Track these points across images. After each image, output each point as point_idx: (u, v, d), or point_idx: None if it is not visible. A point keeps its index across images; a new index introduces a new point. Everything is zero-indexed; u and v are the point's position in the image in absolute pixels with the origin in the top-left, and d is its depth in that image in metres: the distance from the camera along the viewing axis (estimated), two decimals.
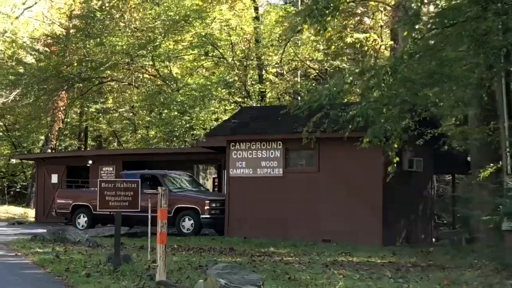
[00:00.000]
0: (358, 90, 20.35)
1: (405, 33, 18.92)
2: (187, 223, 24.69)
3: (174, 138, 38.65)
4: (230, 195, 24.50)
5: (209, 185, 30.79)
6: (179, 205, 24.74)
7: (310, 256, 18.53)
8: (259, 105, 38.12)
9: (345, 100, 22.86)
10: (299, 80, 40.61)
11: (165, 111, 41.27)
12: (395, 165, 19.36)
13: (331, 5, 19.09)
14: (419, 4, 18.81)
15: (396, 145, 18.91)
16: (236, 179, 24.34)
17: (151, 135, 46.69)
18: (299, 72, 41.66)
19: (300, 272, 14.78)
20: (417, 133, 19.70)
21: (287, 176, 23.58)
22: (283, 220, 23.49)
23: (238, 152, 24.41)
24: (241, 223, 24.09)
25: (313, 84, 41.23)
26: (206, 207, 24.53)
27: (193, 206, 24.56)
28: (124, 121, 47.73)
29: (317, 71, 38.92)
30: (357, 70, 18.19)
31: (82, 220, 27.01)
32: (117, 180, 14.25)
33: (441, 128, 21.30)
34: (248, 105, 37.75)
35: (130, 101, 44.02)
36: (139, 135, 48.56)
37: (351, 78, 18.15)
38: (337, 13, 20.03)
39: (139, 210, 14.49)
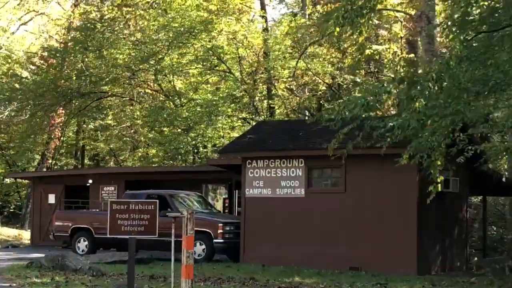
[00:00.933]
0: (395, 101, 18.13)
1: (451, 37, 16.89)
2: (198, 248, 22.49)
3: (179, 157, 36.43)
4: (246, 217, 22.31)
5: (219, 206, 28.57)
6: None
7: None
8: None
9: (379, 113, 20.73)
10: (306, 96, 38.50)
11: (167, 128, 39.19)
12: (437, 185, 17.16)
13: (368, 5, 17.05)
14: (467, 3, 16.71)
15: (439, 162, 16.74)
16: (252, 200, 22.17)
17: (151, 154, 44.52)
18: (306, 89, 39.61)
19: None
20: (457, 150, 17.56)
21: (309, 196, 21.41)
22: (305, 246, 21.32)
23: (255, 170, 22.25)
24: (259, 248, 21.89)
25: (321, 101, 39.17)
26: (220, 231, 22.36)
27: (205, 229, 22.36)
28: (124, 139, 45.42)
29: (328, 86, 36.76)
30: (397, 78, 16.14)
31: (83, 244, 24.79)
32: (132, 201, 12.04)
33: (484, 144, 19.17)
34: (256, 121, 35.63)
35: (131, 118, 41.74)
36: (139, 154, 46.39)
37: (391, 86, 16.11)
38: (373, 15, 17.97)
39: (156, 236, 12.27)
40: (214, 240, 22.38)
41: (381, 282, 17.66)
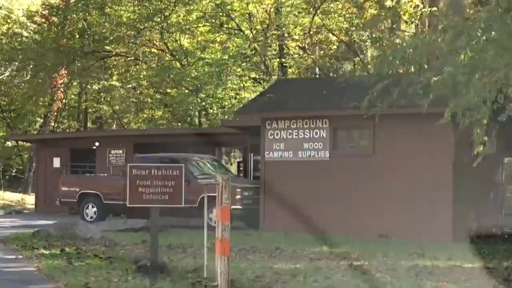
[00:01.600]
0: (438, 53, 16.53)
1: None
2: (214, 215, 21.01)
3: (188, 119, 34.90)
4: (266, 182, 20.85)
5: (233, 170, 27.07)
6: (204, 194, 21.05)
7: (379, 258, 15.00)
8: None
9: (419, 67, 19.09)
10: (321, 54, 36.88)
11: (173, 90, 37.65)
12: (484, 146, 15.64)
13: None
14: None
15: (485, 121, 15.19)
16: (273, 164, 20.69)
17: (157, 116, 43.02)
18: (317, 48, 37.98)
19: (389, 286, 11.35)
20: (497, 107, 15.98)
21: (334, 160, 19.94)
22: (329, 212, 19.90)
23: (275, 132, 20.76)
24: (279, 215, 20.44)
25: (332, 61, 37.55)
26: (238, 196, 20.91)
27: None
28: (130, 100, 43.78)
29: (345, 44, 35.10)
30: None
31: (91, 210, 23.36)
32: (154, 166, 10.56)
33: None
34: (269, 81, 34.11)
35: (137, 78, 40.10)
36: (144, 116, 44.88)
37: (433, 37, 14.62)
38: None
39: (182, 204, 10.81)
40: (232, 207, 20.87)
41: (418, 251, 16.25)
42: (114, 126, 49.49)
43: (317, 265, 13.49)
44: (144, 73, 38.74)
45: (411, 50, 14.62)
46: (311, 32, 34.20)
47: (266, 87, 34.21)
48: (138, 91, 41.83)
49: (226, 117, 35.21)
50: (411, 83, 15.29)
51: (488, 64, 13.94)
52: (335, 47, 37.00)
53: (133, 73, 40.09)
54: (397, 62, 14.38)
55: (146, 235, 19.54)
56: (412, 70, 15.59)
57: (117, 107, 47.19)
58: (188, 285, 10.60)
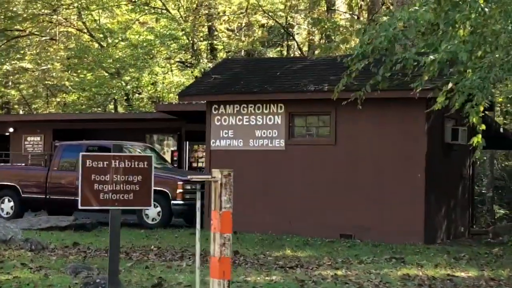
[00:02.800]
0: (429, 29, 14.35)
1: None
2: (153, 211, 18.64)
3: (112, 103, 32.05)
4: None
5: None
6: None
7: (356, 265, 12.86)
8: (209, 66, 31.91)
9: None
10: (255, 37, 34.53)
11: (89, 73, 34.71)
12: (479, 136, 13.59)
13: None
14: None
15: (482, 107, 13.15)
16: (220, 154, 18.26)
17: (71, 100, 39.84)
18: (242, 31, 35.66)
19: None
20: None
21: (291, 150, 17.65)
22: (285, 209, 17.62)
23: (223, 117, 18.34)
24: None
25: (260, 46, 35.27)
26: (179, 190, 18.46)
27: (161, 188, 18.38)
28: (42, 84, 40.37)
29: (283, 27, 32.82)
30: None
31: (7, 205, 20.47)
32: (115, 156, 8.02)
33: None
34: (197, 65, 31.62)
35: (52, 59, 36.90)
36: (58, 100, 41.63)
37: (424, 8, 12.51)
38: None
39: (151, 206, 8.31)
40: (172, 202, 18.50)
41: (394, 256, 14.14)
42: (21, 112, 45.89)
43: (297, 277, 11.15)
44: (62, 53, 35.60)
45: (400, 25, 12.58)
46: (245, 13, 31.76)
47: (193, 71, 31.78)
48: (53, 74, 38.52)
49: (150, 102, 32.66)
50: (395, 63, 13.17)
51: (494, 39, 11.91)
52: (266, 30, 34.75)
53: (49, 54, 36.82)
54: (382, 41, 12.22)
55: (73, 234, 17.02)
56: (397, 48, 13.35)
57: (24, 92, 43.59)
58: None
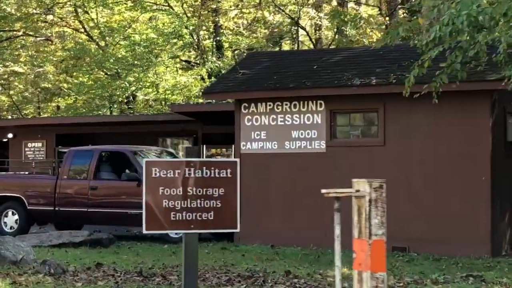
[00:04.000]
0: None
1: None
2: None
3: (114, 106, 29.96)
4: (242, 181, 16.28)
5: None
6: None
7: (435, 286, 10.92)
8: (216, 64, 29.92)
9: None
10: (264, 35, 32.59)
11: (85, 76, 32.65)
12: None
13: None
14: None
15: None
16: (251, 158, 16.25)
17: (64, 106, 37.73)
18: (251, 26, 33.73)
19: None
20: None
21: (332, 152, 15.64)
22: (327, 220, 15.43)
23: (254, 117, 16.34)
24: (260, 223, 16.10)
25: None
26: None
27: None
28: (35, 87, 38.12)
29: (296, 22, 30.85)
30: None
31: (11, 219, 18.32)
32: (190, 163, 6.00)
33: None
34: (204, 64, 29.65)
35: (49, 61, 34.74)
36: (53, 105, 39.51)
37: None
38: None
39: (237, 228, 6.29)
40: None
41: (472, 273, 12.15)
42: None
43: None
44: (60, 53, 33.45)
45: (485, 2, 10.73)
46: (257, 7, 29.77)
47: (199, 69, 29.82)
48: (49, 76, 36.34)
49: (154, 104, 30.66)
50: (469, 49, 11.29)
51: None
52: (275, 26, 32.83)
53: (46, 55, 34.62)
54: (467, 19, 10.30)
55: (90, 252, 14.99)
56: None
57: (15, 98, 41.30)
58: None
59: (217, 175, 6.05)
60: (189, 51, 32.21)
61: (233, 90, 16.50)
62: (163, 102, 31.73)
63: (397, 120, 15.16)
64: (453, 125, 14.70)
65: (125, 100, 32.12)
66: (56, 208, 17.70)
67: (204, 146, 21.52)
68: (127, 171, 17.36)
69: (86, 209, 17.37)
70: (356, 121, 15.82)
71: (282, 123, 16.09)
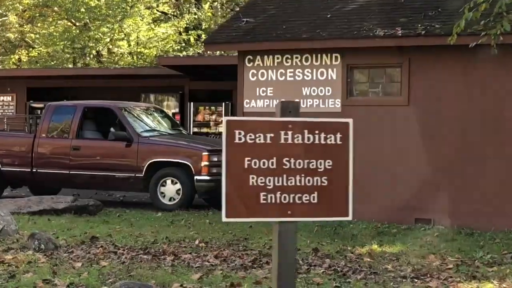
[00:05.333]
0: None
1: None
2: (171, 189, 14.91)
3: (88, 57, 27.91)
4: None
5: None
6: (156, 159, 14.81)
7: (490, 268, 9.40)
8: (195, 16, 28.03)
9: None
10: None
11: (51, 27, 30.55)
12: None
13: None
14: None
15: None
16: (255, 117, 14.43)
17: (27, 58, 35.54)
18: None
19: None
20: None
21: (349, 112, 13.93)
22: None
23: (260, 71, 14.60)
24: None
25: None
26: (204, 163, 14.73)
27: (181, 161, 14.69)
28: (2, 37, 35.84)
29: None
30: None
31: None
32: (288, 123, 4.27)
33: None
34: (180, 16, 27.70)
35: (14, 9, 32.43)
36: (16, 57, 37.23)
37: None
38: None
39: (349, 215, 4.57)
40: (196, 177, 14.72)
41: None
42: None
43: None
44: (27, 0, 31.13)
45: None
46: None
47: (177, 22, 27.89)
48: (16, 26, 34.01)
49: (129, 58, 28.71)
50: None
51: None
52: None
53: (9, 3, 32.23)
54: None
55: (77, 221, 13.24)
56: None
57: None
58: None
59: (322, 141, 4.34)
60: (166, 1, 30.17)
61: (237, 41, 14.69)
62: (136, 56, 29.79)
63: (423, 77, 13.53)
64: (488, 84, 13.11)
65: (96, 54, 30.15)
66: (34, 170, 15.86)
67: (191, 103, 19.72)
68: (112, 129, 15.59)
69: (67, 171, 15.57)
70: (376, 78, 14.12)
71: (292, 79, 14.37)
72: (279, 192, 4.34)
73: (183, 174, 14.76)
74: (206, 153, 14.73)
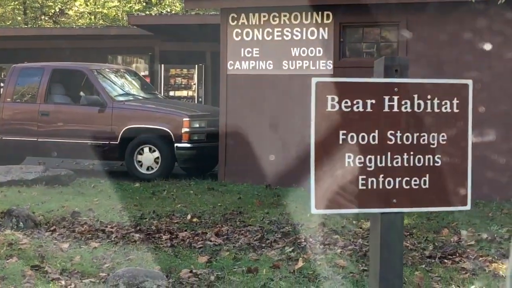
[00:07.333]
0: None
1: None
2: (148, 157, 13.87)
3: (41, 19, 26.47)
4: (228, 108, 13.69)
5: None
6: (132, 125, 13.74)
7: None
8: None
9: None
10: None
11: None
12: None
13: None
14: None
15: None
16: (240, 80, 13.56)
17: None
18: None
19: None
20: None
21: (341, 74, 12.96)
22: None
23: (245, 30, 13.57)
24: (250, 158, 13.45)
25: None
26: (185, 129, 13.67)
27: (160, 127, 13.63)
28: None
29: None
30: None
31: None
32: (387, 85, 3.27)
33: None
34: None
35: None
36: None
37: None
38: None
39: (468, 205, 3.59)
40: (176, 145, 13.67)
41: None
42: None
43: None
44: None
45: None
46: None
47: None
48: None
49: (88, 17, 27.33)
50: None
51: None
52: None
53: None
54: None
55: (50, 193, 12.14)
56: None
57: None
58: None
59: (436, 109, 3.37)
60: None
61: None
62: (95, 17, 28.44)
63: (423, 37, 12.63)
64: (498, 41, 12.25)
65: (53, 14, 28.70)
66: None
67: (162, 65, 18.59)
68: (82, 93, 14.45)
69: (35, 139, 14.41)
70: (370, 38, 13.18)
71: (280, 38, 13.37)
72: (382, 176, 3.35)
73: (162, 142, 13.70)
74: (187, 119, 13.67)
